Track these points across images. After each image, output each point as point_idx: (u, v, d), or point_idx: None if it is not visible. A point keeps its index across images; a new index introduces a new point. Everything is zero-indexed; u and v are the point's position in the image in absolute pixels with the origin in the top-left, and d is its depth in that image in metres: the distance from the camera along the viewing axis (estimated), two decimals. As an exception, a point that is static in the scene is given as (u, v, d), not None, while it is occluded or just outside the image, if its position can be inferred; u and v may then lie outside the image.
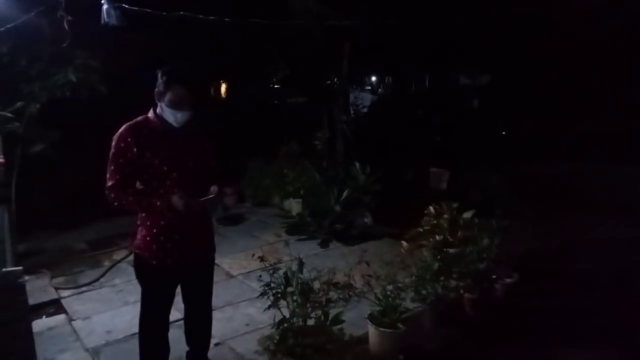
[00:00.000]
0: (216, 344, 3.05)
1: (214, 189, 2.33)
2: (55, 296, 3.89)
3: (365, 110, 10.79)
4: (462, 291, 3.36)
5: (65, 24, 4.19)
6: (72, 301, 3.80)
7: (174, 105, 2.25)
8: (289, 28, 5.92)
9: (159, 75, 2.26)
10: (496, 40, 8.26)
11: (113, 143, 2.27)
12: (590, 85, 8.43)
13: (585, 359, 2.95)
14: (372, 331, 2.92)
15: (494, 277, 3.51)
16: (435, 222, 3.60)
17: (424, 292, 3.20)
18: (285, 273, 2.85)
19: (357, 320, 3.04)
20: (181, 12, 4.87)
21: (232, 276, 4.21)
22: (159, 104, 2.30)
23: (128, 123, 2.30)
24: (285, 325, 2.70)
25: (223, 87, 10.47)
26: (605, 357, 2.96)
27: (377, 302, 2.99)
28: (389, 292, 2.98)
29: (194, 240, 2.44)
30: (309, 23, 5.87)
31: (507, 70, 9.19)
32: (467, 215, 3.71)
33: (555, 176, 7.00)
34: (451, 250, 3.46)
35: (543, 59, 8.36)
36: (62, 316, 3.58)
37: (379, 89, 13.85)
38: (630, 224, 5.14)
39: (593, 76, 8.27)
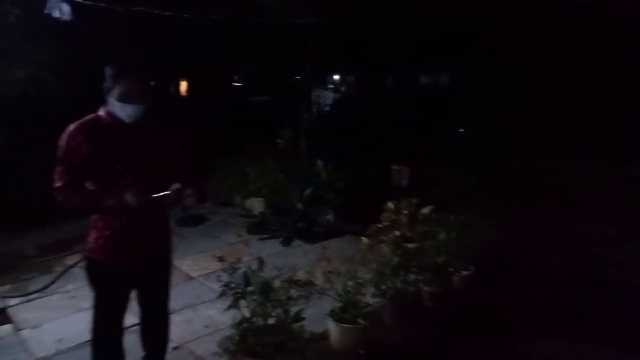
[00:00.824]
0: (174, 348, 2.98)
1: (173, 187, 2.28)
2: (0, 305, 3.68)
3: (327, 108, 10.83)
4: (420, 285, 3.43)
5: (13, 19, 3.98)
6: (19, 310, 3.61)
7: (123, 98, 2.17)
8: (254, 25, 5.85)
9: (107, 69, 2.18)
10: (469, 38, 8.34)
11: (62, 142, 2.16)
12: (570, 84, 8.51)
13: (541, 349, 3.05)
14: (332, 327, 2.94)
15: (451, 270, 3.61)
16: (394, 217, 3.66)
17: (383, 287, 3.25)
18: (244, 272, 2.82)
19: (318, 317, 3.05)
20: (137, 8, 4.71)
21: (192, 278, 4.12)
22: (108, 100, 2.22)
23: (78, 121, 2.21)
24: (245, 325, 2.68)
25: (184, 85, 10.27)
26: (560, 347, 3.07)
27: (338, 298, 3.01)
28: (349, 288, 3.01)
29: (150, 239, 2.36)
30: (274, 20, 5.82)
31: (472, 68, 9.29)
32: (425, 210, 3.79)
33: (522, 174, 7.12)
34: (410, 245, 3.54)
35: (516, 57, 8.41)
36: (8, 326, 3.40)
37: (342, 87, 13.94)
38: (596, 220, 5.30)
39: (575, 74, 8.34)
